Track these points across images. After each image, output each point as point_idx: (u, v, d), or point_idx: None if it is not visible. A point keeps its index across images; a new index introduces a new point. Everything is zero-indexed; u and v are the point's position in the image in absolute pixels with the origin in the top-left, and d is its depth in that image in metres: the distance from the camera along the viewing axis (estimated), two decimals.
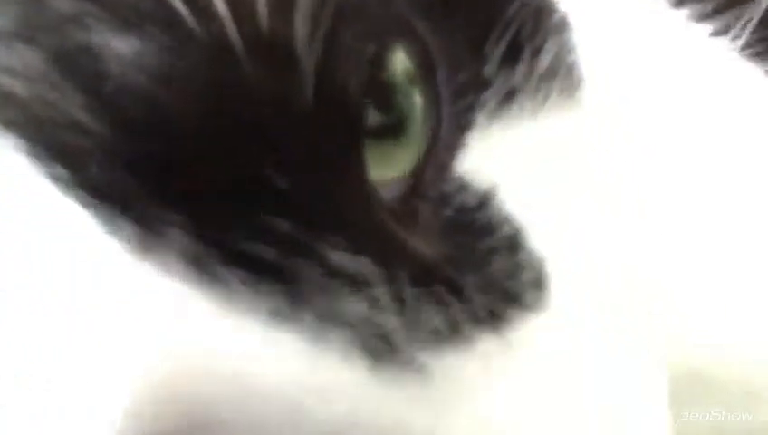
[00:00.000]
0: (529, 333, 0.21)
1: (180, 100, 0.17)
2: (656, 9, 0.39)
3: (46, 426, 0.16)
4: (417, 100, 0.20)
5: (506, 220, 0.22)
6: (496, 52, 0.21)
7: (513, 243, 0.22)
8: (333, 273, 0.18)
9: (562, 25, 0.24)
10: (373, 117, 0.20)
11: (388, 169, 0.20)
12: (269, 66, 0.17)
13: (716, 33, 0.39)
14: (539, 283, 0.22)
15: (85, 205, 0.17)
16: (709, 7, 0.39)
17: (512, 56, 0.22)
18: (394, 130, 0.20)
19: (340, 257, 0.18)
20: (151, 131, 0.17)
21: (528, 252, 0.22)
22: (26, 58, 0.17)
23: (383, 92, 0.20)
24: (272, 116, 0.17)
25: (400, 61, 0.20)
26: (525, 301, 0.21)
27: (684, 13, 0.40)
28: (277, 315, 0.17)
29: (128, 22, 0.17)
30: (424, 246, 0.20)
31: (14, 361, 0.16)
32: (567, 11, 0.25)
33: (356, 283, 0.18)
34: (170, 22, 0.17)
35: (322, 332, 0.18)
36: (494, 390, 0.19)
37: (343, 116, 0.18)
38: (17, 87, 0.17)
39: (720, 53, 0.39)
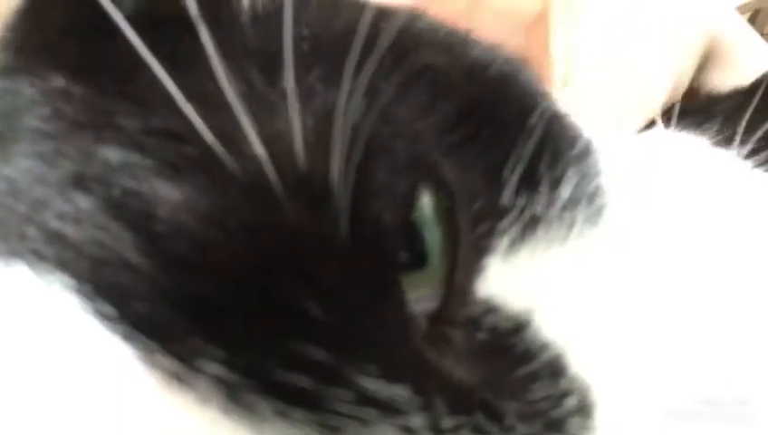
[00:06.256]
0: None
1: (223, 239, 0.18)
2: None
3: None
4: (438, 233, 0.21)
5: (545, 346, 0.21)
6: (511, 183, 0.22)
7: (554, 369, 0.21)
8: (366, 401, 0.18)
9: (585, 154, 0.25)
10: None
11: (414, 301, 0.20)
12: (306, 203, 0.18)
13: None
14: (584, 410, 0.21)
15: (127, 339, 0.17)
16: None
17: (530, 186, 0.22)
18: (418, 263, 0.20)
19: (373, 385, 0.18)
20: (196, 269, 0.18)
21: (570, 378, 0.21)
22: (79, 204, 0.19)
23: (409, 231, 0.20)
24: (309, 251, 0.18)
25: (427, 200, 0.20)
26: (569, 429, 0.20)
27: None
28: None
29: (173, 168, 0.19)
30: (460, 371, 0.20)
31: None
32: (592, 138, 0.26)
33: (390, 411, 0.18)
34: (213, 166, 0.18)
35: None
36: None
37: (377, 250, 0.19)
38: (69, 230, 0.18)
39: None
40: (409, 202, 0.20)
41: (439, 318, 0.20)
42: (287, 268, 0.18)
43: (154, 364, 0.17)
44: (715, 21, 0.47)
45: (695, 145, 0.37)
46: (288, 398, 0.17)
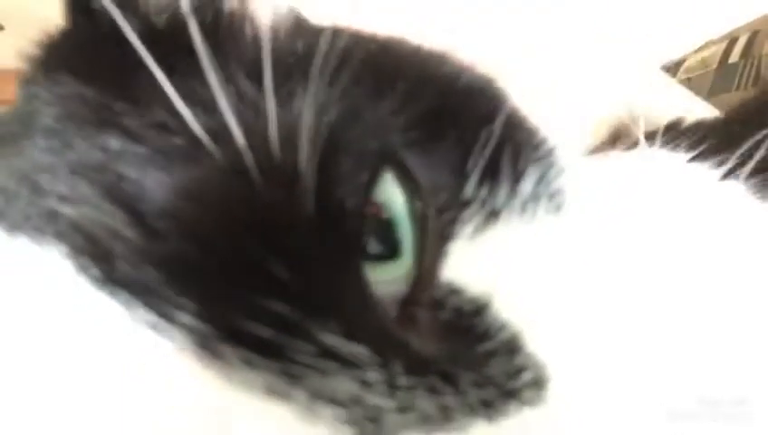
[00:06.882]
0: (524, 423, 0.21)
1: (202, 212, 0.20)
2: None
3: None
4: (409, 224, 0.23)
5: (504, 326, 0.23)
6: (473, 177, 0.24)
7: (512, 347, 0.23)
8: (326, 353, 0.20)
9: (547, 155, 0.27)
10: (374, 247, 0.22)
11: (387, 284, 0.22)
12: (278, 185, 0.21)
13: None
14: (538, 382, 0.22)
15: (113, 296, 0.20)
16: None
17: (492, 181, 0.25)
18: (391, 254, 0.23)
19: (333, 340, 0.20)
20: (176, 237, 0.20)
21: (527, 355, 0.23)
22: (78, 187, 0.22)
23: (383, 227, 0.23)
24: (278, 223, 0.20)
25: (390, 186, 0.23)
26: (523, 397, 0.22)
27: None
28: (272, 391, 0.19)
29: (165, 156, 0.21)
30: (422, 344, 0.22)
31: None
32: (555, 144, 0.28)
33: (348, 364, 0.20)
34: (199, 155, 0.21)
35: (313, 408, 0.19)
36: None
37: (341, 227, 0.21)
38: (67, 209, 0.21)
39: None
40: (370, 187, 0.22)
41: (408, 301, 0.22)
42: (258, 236, 0.20)
43: (136, 317, 0.19)
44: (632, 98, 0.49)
45: (673, 161, 0.39)
46: (254, 347, 0.19)
